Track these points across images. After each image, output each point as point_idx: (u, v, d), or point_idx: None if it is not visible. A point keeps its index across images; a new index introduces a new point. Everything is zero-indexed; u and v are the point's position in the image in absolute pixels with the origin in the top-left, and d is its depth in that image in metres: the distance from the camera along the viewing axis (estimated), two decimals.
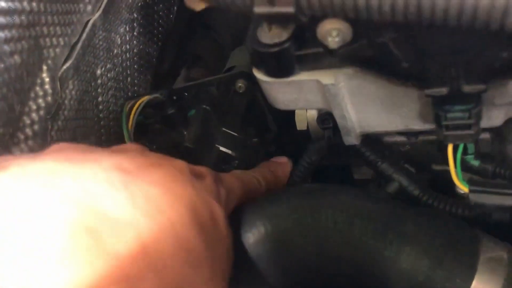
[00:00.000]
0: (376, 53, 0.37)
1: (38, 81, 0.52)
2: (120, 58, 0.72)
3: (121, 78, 0.73)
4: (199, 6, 0.35)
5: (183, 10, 0.87)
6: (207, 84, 0.67)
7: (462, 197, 0.56)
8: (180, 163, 0.39)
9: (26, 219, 0.29)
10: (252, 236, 0.44)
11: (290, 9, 0.32)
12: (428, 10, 0.29)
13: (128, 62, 0.75)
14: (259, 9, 0.33)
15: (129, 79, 0.76)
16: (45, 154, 0.35)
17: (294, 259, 0.44)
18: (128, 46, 0.73)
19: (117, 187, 0.31)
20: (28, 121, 0.51)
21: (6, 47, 0.45)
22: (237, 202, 0.46)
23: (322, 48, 0.39)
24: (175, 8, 0.87)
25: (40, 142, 0.52)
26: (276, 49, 0.41)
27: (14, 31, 0.46)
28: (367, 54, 0.38)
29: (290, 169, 0.59)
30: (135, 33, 0.75)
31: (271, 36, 0.41)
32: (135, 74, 0.77)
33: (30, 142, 0.51)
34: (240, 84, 0.66)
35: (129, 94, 0.74)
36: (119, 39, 0.70)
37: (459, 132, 0.40)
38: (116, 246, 0.29)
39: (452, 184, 0.58)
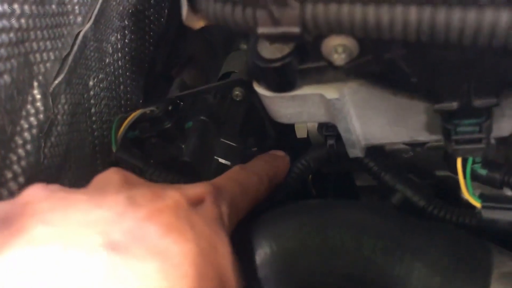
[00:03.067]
0: (383, 68, 0.36)
1: (30, 98, 0.50)
2: (112, 67, 0.70)
3: (113, 87, 0.71)
4: (198, 25, 0.34)
5: (174, 12, 0.85)
6: (204, 92, 0.66)
7: (467, 204, 0.55)
8: (176, 199, 0.35)
9: None
10: (258, 257, 0.42)
11: (295, 30, 0.30)
12: (443, 31, 0.27)
13: (120, 70, 0.73)
14: (262, 30, 0.31)
15: (121, 87, 0.74)
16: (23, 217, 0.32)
17: (301, 279, 0.43)
18: (120, 54, 0.72)
19: (106, 276, 0.28)
20: (20, 141, 0.49)
21: None
22: (241, 210, 0.44)
23: (327, 62, 0.38)
24: (166, 11, 0.85)
25: (33, 162, 0.51)
26: (278, 64, 0.39)
27: (3, 50, 0.44)
28: (374, 69, 0.36)
29: (288, 163, 0.56)
30: (126, 40, 0.73)
31: (272, 50, 0.39)
32: (128, 81, 0.76)
33: (23, 163, 0.50)
34: (237, 92, 0.64)
35: (122, 102, 0.72)
36: (110, 48, 0.68)
37: (469, 146, 0.39)
38: None
39: (456, 190, 0.57)
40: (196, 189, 0.39)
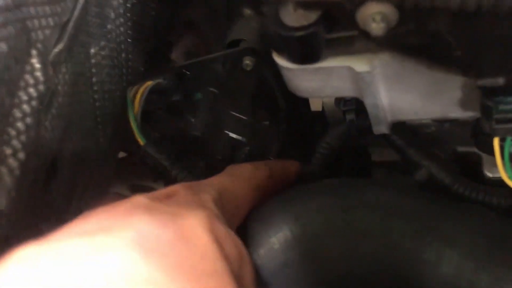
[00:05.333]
0: (425, 40, 0.32)
1: (28, 68, 0.47)
2: (113, 33, 0.66)
3: (115, 54, 0.67)
4: None
5: None
6: (211, 61, 0.62)
7: (490, 182, 0.52)
8: (203, 221, 0.33)
9: None
10: (277, 241, 0.40)
11: None
12: None
13: (122, 37, 0.69)
14: None
15: (123, 54, 0.70)
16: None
17: (325, 263, 0.40)
18: (122, 20, 0.67)
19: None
20: (19, 114, 0.46)
21: None
22: (246, 210, 0.42)
23: (359, 32, 0.34)
24: None
25: (33, 136, 0.47)
26: (303, 33, 0.35)
27: None
28: (413, 40, 0.33)
29: (298, 168, 0.52)
30: (128, 5, 0.69)
31: (296, 17, 0.36)
32: (129, 48, 0.72)
33: (22, 137, 0.46)
34: (247, 62, 0.61)
35: (124, 70, 0.69)
36: (112, 14, 0.63)
37: (511, 126, 0.36)
38: None
39: (479, 167, 0.55)
40: (202, 200, 0.37)
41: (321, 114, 0.61)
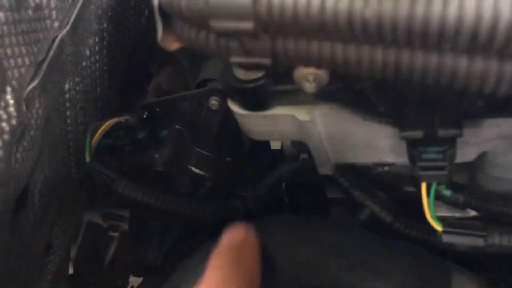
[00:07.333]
0: (352, 96, 0.37)
1: (2, 104, 0.50)
2: (89, 70, 0.70)
3: (90, 89, 0.70)
4: (173, 46, 0.34)
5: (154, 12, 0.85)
6: (180, 100, 0.66)
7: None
8: None
9: None
10: None
11: (267, 61, 0.31)
12: (406, 71, 0.28)
13: (97, 73, 0.72)
14: (235, 59, 0.32)
15: (98, 89, 0.73)
16: None
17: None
18: (97, 57, 0.71)
19: None
20: None
21: None
22: None
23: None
24: (146, 11, 0.85)
25: (3, 167, 0.50)
26: (252, 85, 0.40)
27: None
28: (344, 96, 0.37)
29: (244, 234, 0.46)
30: (104, 42, 0.73)
31: (247, 72, 0.40)
32: (105, 83, 0.75)
33: None
34: (213, 101, 0.65)
35: (99, 104, 0.72)
36: (88, 51, 0.67)
37: (433, 173, 0.40)
38: None
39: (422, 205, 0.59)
40: None
41: (282, 153, 0.65)
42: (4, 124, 0.50)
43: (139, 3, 0.81)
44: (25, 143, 0.54)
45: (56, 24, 0.56)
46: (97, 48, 0.70)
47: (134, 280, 0.92)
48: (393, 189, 0.60)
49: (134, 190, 0.53)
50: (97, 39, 0.69)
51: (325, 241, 0.44)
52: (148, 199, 0.52)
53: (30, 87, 0.54)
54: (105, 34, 0.72)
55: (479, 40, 0.25)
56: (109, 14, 0.71)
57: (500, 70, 0.26)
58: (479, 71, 0.26)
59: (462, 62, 0.26)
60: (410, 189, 0.61)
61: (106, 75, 0.75)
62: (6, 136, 0.50)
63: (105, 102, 0.74)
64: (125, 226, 0.93)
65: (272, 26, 0.28)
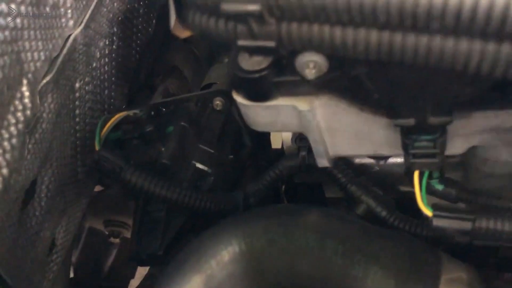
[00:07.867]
0: (349, 84, 0.39)
1: (18, 95, 0.53)
2: (98, 71, 0.73)
3: (98, 91, 0.73)
4: (184, 34, 0.37)
5: (161, 23, 0.88)
6: (186, 100, 0.69)
7: (427, 218, 0.58)
8: None
9: None
10: (227, 254, 0.45)
11: (271, 43, 0.34)
12: (399, 51, 0.31)
13: (106, 75, 0.75)
14: (242, 42, 0.34)
15: (106, 91, 0.76)
16: None
17: (268, 278, 0.45)
18: (107, 60, 0.74)
19: None
20: (6, 135, 0.51)
21: None
22: None
23: (300, 76, 0.41)
24: (154, 21, 0.88)
25: (17, 156, 0.53)
26: (256, 75, 0.43)
27: None
28: (341, 85, 0.40)
29: None
30: (114, 46, 0.76)
31: (251, 63, 0.43)
32: (113, 86, 0.78)
33: (7, 156, 0.51)
34: (217, 102, 0.68)
35: (106, 106, 0.75)
36: (98, 53, 0.70)
37: (425, 160, 0.43)
38: None
39: (417, 204, 0.61)
40: None
41: (282, 152, 0.67)
42: (19, 114, 0.53)
43: (148, 12, 0.84)
44: (37, 135, 0.57)
45: (71, 22, 0.60)
46: (106, 51, 0.73)
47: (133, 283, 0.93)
48: (388, 188, 0.63)
49: (142, 178, 0.55)
50: (107, 42, 0.73)
51: (321, 227, 0.46)
52: (154, 187, 0.54)
53: (44, 81, 0.57)
54: (115, 38, 0.75)
55: (462, 21, 0.27)
56: (119, 18, 0.74)
57: (485, 50, 0.29)
58: (465, 50, 0.29)
59: (449, 42, 0.29)
60: (405, 189, 0.63)
61: (114, 79, 0.78)
62: (20, 126, 0.53)
63: (111, 106, 0.77)
64: (126, 233, 0.95)
65: (278, 9, 0.31)
